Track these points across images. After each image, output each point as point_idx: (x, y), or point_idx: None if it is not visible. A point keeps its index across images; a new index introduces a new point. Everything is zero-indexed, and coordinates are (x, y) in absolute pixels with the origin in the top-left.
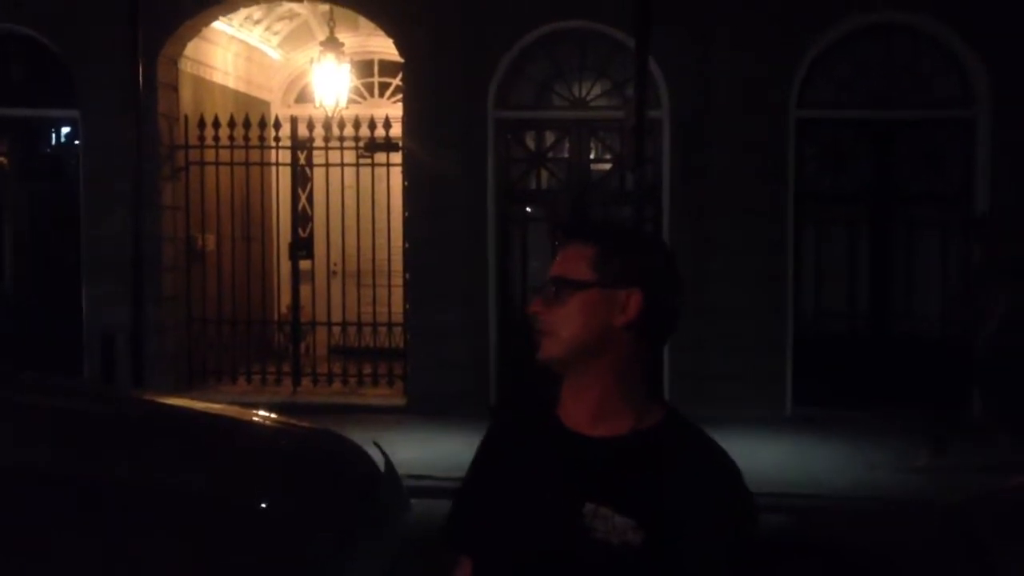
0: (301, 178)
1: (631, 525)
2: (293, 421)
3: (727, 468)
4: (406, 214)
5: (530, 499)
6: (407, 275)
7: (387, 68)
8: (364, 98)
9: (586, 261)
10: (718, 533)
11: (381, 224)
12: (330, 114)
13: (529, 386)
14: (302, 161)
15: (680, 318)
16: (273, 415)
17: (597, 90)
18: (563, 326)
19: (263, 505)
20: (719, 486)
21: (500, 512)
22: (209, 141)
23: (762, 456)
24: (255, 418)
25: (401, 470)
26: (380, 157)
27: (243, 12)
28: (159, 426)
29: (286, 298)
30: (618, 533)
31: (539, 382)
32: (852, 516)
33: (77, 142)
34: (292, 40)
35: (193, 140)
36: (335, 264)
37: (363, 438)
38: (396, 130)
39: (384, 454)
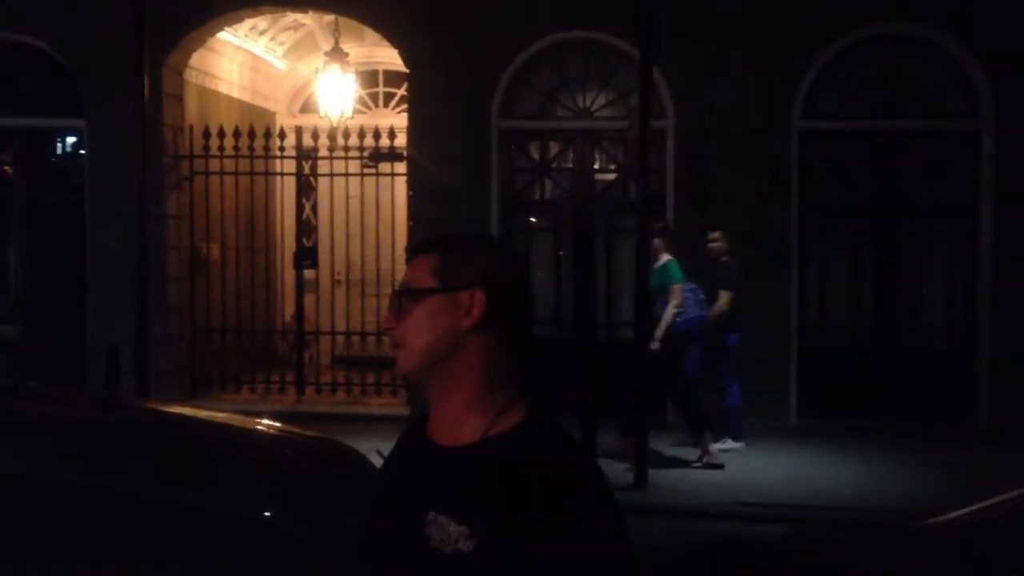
0: (306, 188)
1: (464, 533)
2: (297, 430)
3: (572, 473)
4: (410, 223)
5: (388, 514)
6: None
7: (392, 78)
8: (369, 108)
9: (428, 270)
10: (550, 542)
11: (385, 233)
12: (335, 124)
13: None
14: (307, 171)
15: (532, 316)
16: (277, 424)
17: (601, 100)
18: (413, 336)
19: (267, 514)
20: (558, 493)
21: (367, 532)
22: (214, 151)
23: (766, 467)
24: (259, 427)
25: None
26: (384, 167)
27: (248, 23)
28: (162, 436)
29: (290, 307)
30: (451, 542)
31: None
32: (854, 528)
33: (83, 152)
34: (297, 50)
35: (198, 150)
36: (339, 273)
37: (367, 447)
38: (401, 140)
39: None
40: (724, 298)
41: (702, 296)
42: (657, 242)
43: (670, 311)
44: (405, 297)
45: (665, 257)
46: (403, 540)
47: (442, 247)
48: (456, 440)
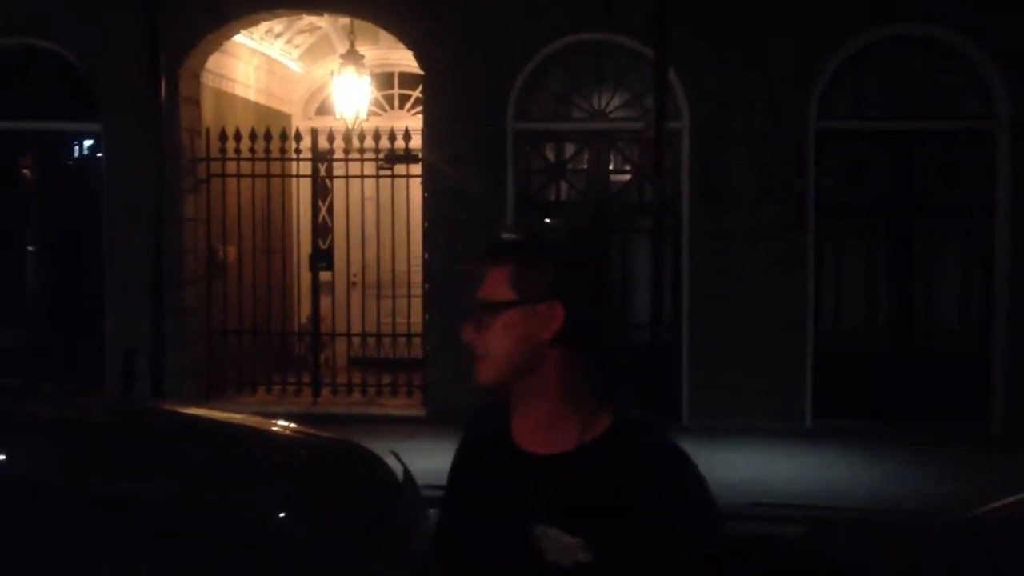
0: (321, 190)
1: (580, 544)
2: (312, 431)
3: (673, 472)
4: (425, 225)
5: (484, 523)
6: (426, 286)
7: (407, 80)
8: (384, 110)
9: (505, 281)
10: (665, 541)
11: (401, 235)
12: (350, 126)
13: (495, 399)
14: (322, 173)
15: (612, 326)
16: (292, 425)
17: (616, 101)
18: (493, 348)
19: (282, 515)
20: (662, 493)
21: (460, 540)
22: (230, 154)
23: (781, 468)
24: (274, 429)
25: (420, 480)
26: (400, 169)
27: (264, 26)
28: (176, 438)
29: (306, 309)
30: (568, 554)
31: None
32: (869, 529)
33: (99, 155)
34: (313, 53)
35: (214, 153)
36: (355, 275)
37: (382, 448)
38: (416, 142)
39: (403, 464)
40: None
41: None
42: None
43: None
44: (484, 310)
45: None
46: (511, 553)
47: (518, 257)
48: (550, 448)
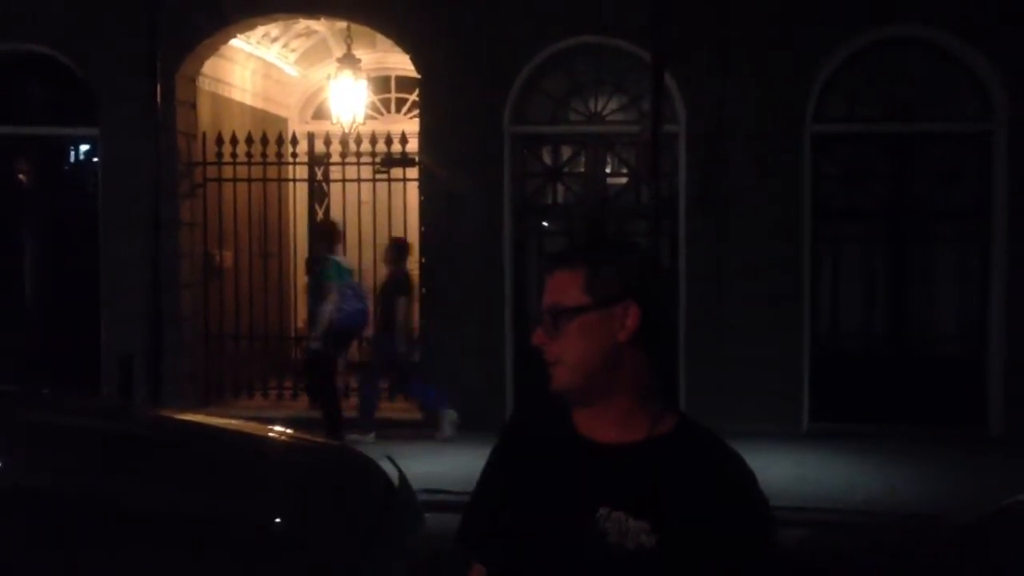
0: (318, 194)
1: (645, 528)
2: (308, 437)
3: (741, 473)
4: (422, 229)
5: (544, 505)
6: (423, 290)
7: (404, 84)
8: (381, 114)
9: (577, 285)
10: (731, 536)
11: None
12: (347, 130)
13: (543, 394)
14: (319, 177)
15: (673, 323)
16: (288, 431)
17: (613, 104)
18: (569, 353)
19: (279, 520)
20: (732, 490)
21: (514, 519)
22: (227, 158)
23: (779, 471)
24: (271, 435)
25: (417, 484)
26: (397, 172)
27: (261, 30)
28: (174, 444)
29: (303, 313)
30: (632, 537)
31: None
32: (867, 532)
33: (96, 160)
34: (309, 57)
35: (211, 157)
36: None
37: (380, 452)
38: (413, 145)
39: (398, 469)
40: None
41: (362, 293)
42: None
43: (327, 308)
44: (560, 316)
45: (331, 256)
46: (574, 535)
47: (589, 260)
48: (617, 438)
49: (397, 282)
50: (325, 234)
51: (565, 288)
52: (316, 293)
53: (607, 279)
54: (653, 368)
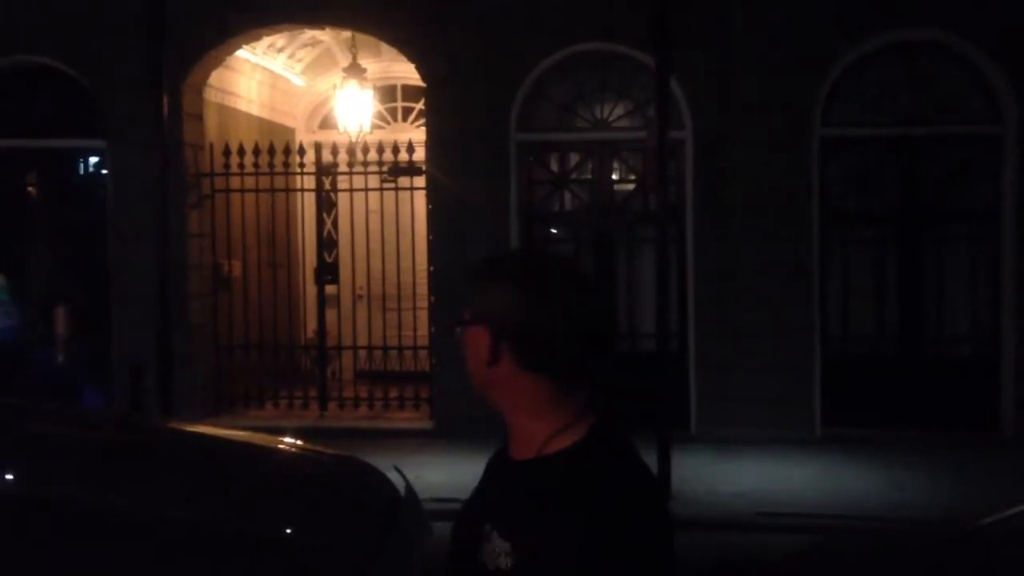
0: (326, 203)
1: (507, 549)
2: (316, 448)
3: (625, 500)
4: (430, 238)
5: (459, 525)
6: (432, 298)
7: (410, 93)
8: (387, 123)
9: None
10: (595, 570)
11: (406, 248)
12: (354, 139)
13: None
14: (327, 187)
15: (578, 346)
16: (297, 442)
17: (619, 111)
18: (467, 361)
19: (288, 531)
20: (606, 519)
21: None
22: (234, 168)
23: (791, 477)
24: (279, 446)
25: (427, 493)
26: (404, 181)
27: (266, 40)
28: (183, 455)
29: (312, 323)
30: (494, 557)
31: None
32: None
33: (104, 172)
34: (315, 67)
35: (218, 168)
36: (360, 288)
37: (390, 462)
38: (420, 154)
39: (405, 480)
40: None
41: (11, 311)
42: None
43: None
44: (457, 325)
45: None
46: (465, 552)
47: (477, 275)
48: (518, 455)
49: (54, 292)
50: None
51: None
52: None
53: (480, 298)
54: (541, 387)
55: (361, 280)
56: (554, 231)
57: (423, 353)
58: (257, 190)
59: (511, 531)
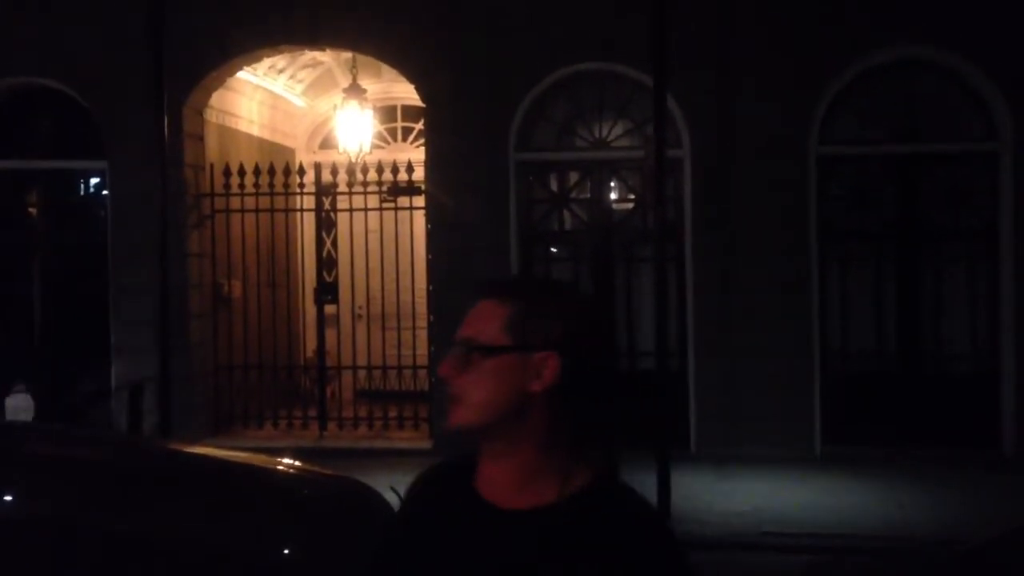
0: (326, 223)
1: None
2: (315, 468)
3: (649, 544)
4: (429, 257)
5: (426, 570)
6: (431, 317)
7: (410, 113)
8: (387, 143)
9: (498, 321)
10: None
11: (405, 267)
12: (354, 159)
13: (455, 456)
14: (327, 206)
15: (612, 376)
16: (296, 463)
17: (618, 130)
18: (474, 392)
19: (286, 552)
20: (636, 564)
21: None
22: (235, 189)
23: (791, 496)
24: (278, 467)
25: None
26: (404, 201)
27: (267, 61)
28: (182, 477)
29: (312, 342)
30: None
31: None
32: (875, 558)
33: (105, 192)
34: (316, 88)
35: (219, 188)
36: (360, 308)
37: (389, 481)
38: (419, 174)
39: (401, 499)
40: None
41: None
42: None
43: None
44: (473, 351)
45: None
46: None
47: (518, 297)
48: (521, 503)
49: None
50: None
51: (485, 321)
52: None
53: (532, 322)
54: (570, 423)
55: (361, 299)
56: (553, 250)
57: (422, 372)
58: (257, 210)
59: None
